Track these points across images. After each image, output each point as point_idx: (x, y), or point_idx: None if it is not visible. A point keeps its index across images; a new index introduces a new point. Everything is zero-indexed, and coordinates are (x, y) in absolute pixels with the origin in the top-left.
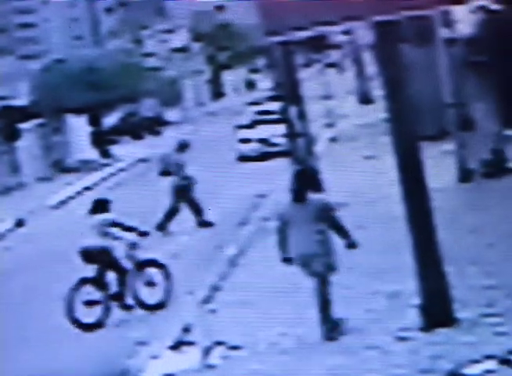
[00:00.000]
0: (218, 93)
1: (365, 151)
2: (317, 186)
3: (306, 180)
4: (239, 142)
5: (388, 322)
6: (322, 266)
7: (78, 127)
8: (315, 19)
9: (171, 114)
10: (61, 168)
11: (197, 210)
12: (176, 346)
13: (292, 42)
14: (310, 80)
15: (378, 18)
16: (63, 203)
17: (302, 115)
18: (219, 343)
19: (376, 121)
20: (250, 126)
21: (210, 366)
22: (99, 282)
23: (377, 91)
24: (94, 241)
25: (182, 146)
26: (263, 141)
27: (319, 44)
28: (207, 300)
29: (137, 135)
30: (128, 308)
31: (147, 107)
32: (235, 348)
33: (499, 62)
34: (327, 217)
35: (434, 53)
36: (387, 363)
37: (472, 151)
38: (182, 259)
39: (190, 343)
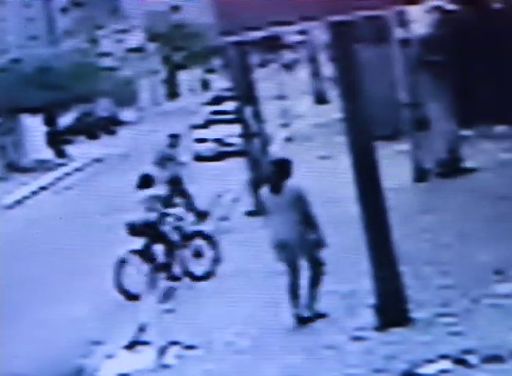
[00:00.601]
0: (173, 93)
1: (321, 151)
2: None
3: (282, 169)
4: (194, 142)
5: (344, 321)
6: (297, 253)
7: (33, 127)
8: (270, 19)
9: (126, 114)
10: (16, 167)
11: (189, 201)
12: (131, 346)
13: (247, 42)
14: (265, 80)
15: (333, 18)
16: (18, 203)
17: (257, 115)
18: (174, 343)
19: (331, 121)
20: (206, 126)
21: (166, 366)
22: (145, 254)
23: (332, 91)
24: (140, 215)
25: (174, 140)
26: (218, 141)
27: (274, 44)
28: (162, 300)
29: (92, 135)
30: (175, 279)
31: (102, 107)
32: (190, 347)
33: (454, 62)
34: (300, 206)
35: (389, 53)
36: (342, 363)
37: (427, 151)
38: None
39: (145, 343)
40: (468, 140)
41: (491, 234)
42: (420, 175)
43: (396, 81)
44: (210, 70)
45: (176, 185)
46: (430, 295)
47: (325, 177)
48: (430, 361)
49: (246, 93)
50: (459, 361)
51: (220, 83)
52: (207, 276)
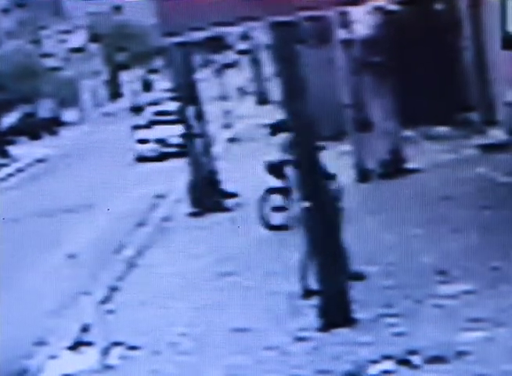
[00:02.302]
0: (115, 94)
1: (263, 152)
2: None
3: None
4: (136, 142)
5: (287, 322)
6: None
7: None
8: (212, 20)
9: (68, 115)
10: None
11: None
12: (74, 346)
13: (189, 43)
14: (208, 80)
15: (275, 19)
16: None
17: (200, 116)
18: (118, 343)
19: (273, 121)
20: (148, 126)
21: (109, 367)
22: (284, 191)
23: (275, 92)
24: (277, 156)
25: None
26: (161, 141)
27: (216, 45)
28: (105, 300)
29: (35, 136)
30: None
31: (45, 108)
32: (134, 348)
33: (396, 63)
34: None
35: (332, 54)
36: (285, 364)
37: (369, 151)
38: (79, 259)
39: (89, 343)
40: (410, 141)
41: (433, 235)
42: (363, 175)
43: (338, 81)
44: (153, 71)
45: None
46: (374, 296)
47: (268, 177)
48: (374, 362)
49: (188, 94)
50: (403, 362)
51: (162, 83)
52: None
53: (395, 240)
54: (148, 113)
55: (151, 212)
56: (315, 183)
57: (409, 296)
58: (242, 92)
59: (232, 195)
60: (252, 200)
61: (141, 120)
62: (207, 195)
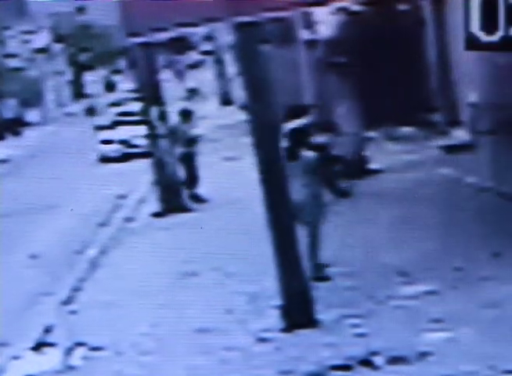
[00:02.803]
0: (79, 94)
1: (226, 152)
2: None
3: (299, 139)
4: (100, 143)
5: (249, 323)
6: (312, 216)
7: None
8: (176, 20)
9: (31, 115)
10: None
11: (193, 181)
12: (37, 347)
13: (153, 43)
14: (171, 81)
15: (238, 19)
16: None
17: (163, 116)
18: (80, 344)
19: (236, 122)
20: (111, 127)
21: (72, 368)
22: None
23: (238, 92)
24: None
25: (186, 115)
26: (124, 142)
27: (180, 45)
28: (67, 301)
29: None
30: None
31: (8, 108)
32: (96, 349)
33: (360, 63)
34: (317, 170)
35: (295, 54)
36: (247, 364)
37: (333, 152)
38: (42, 259)
39: (51, 344)
40: (373, 142)
41: (395, 236)
42: None
43: (302, 82)
44: (116, 71)
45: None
46: (336, 297)
47: (230, 178)
48: (337, 362)
49: (151, 94)
50: (365, 362)
51: (125, 84)
52: None
53: (358, 241)
54: (111, 114)
55: (114, 213)
56: (278, 183)
57: (371, 297)
58: (194, 93)
59: (202, 200)
60: (215, 200)
61: (104, 120)
62: (171, 195)
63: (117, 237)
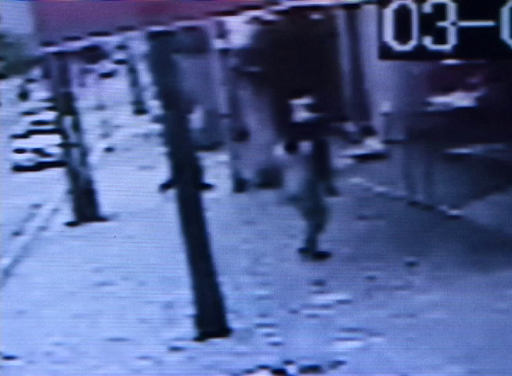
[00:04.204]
0: None
1: (141, 161)
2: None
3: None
4: (13, 152)
5: (162, 332)
6: (309, 206)
7: None
8: (89, 29)
9: None
10: None
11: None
12: None
13: (66, 53)
14: (85, 90)
15: (152, 29)
16: None
17: (76, 125)
18: None
19: (150, 131)
20: (25, 136)
21: None
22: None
23: (152, 101)
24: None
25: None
26: (38, 151)
27: (93, 54)
28: None
29: None
30: None
31: None
32: (9, 358)
33: (273, 73)
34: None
35: (209, 64)
36: (160, 373)
37: (246, 162)
38: None
39: None
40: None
41: None
42: (240, 185)
43: (215, 91)
44: (30, 80)
45: None
46: (250, 306)
47: (145, 188)
48: (250, 371)
49: (65, 103)
50: (278, 371)
51: (39, 93)
52: None
53: (270, 250)
54: (25, 123)
55: (28, 222)
56: (192, 193)
57: (284, 306)
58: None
59: None
60: (128, 209)
61: (18, 129)
62: (84, 205)
63: (30, 247)
